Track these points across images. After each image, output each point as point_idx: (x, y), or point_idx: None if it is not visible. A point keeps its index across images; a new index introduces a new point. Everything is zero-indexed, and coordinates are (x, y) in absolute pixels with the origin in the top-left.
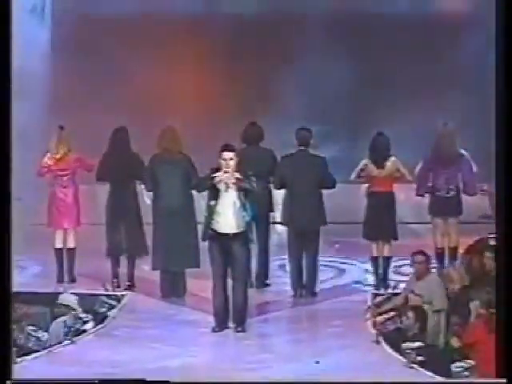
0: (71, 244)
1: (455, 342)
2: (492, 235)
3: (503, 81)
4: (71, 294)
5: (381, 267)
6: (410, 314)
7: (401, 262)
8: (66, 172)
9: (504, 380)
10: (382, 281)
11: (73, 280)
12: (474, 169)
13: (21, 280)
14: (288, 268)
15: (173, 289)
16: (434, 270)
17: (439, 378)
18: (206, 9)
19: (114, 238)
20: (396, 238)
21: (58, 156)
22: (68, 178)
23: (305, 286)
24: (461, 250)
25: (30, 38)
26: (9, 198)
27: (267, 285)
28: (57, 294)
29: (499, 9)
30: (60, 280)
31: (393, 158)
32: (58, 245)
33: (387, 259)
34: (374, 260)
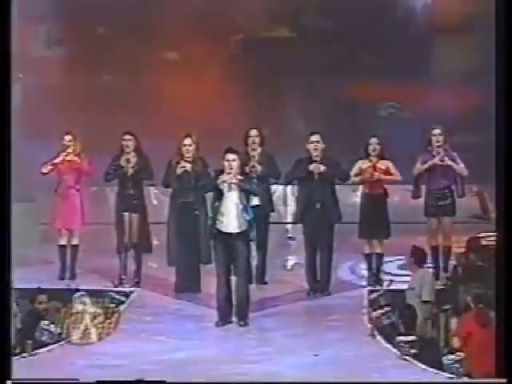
0: (74, 241)
1: (456, 343)
2: (482, 235)
3: (503, 82)
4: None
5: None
6: (398, 312)
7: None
8: (67, 175)
9: (504, 380)
10: (375, 277)
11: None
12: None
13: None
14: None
15: (187, 285)
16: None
17: (431, 370)
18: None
19: (122, 236)
20: (388, 236)
21: (60, 159)
22: (70, 181)
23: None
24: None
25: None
26: (9, 198)
27: (265, 283)
28: (68, 290)
29: (499, 10)
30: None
31: (383, 160)
32: (61, 242)
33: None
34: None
